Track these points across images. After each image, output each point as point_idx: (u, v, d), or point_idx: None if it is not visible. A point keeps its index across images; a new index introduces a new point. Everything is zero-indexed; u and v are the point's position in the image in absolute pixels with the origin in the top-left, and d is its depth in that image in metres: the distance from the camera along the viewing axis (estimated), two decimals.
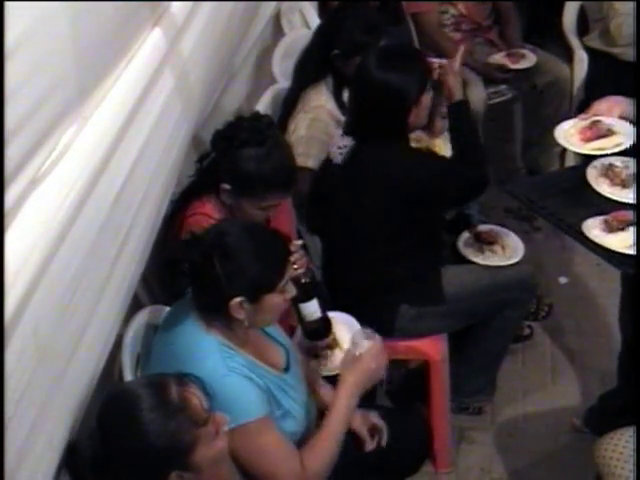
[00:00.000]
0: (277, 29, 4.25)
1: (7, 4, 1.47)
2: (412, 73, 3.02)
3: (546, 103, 4.71)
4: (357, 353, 2.46)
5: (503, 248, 3.39)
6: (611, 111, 2.97)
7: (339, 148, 3.11)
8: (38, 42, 1.62)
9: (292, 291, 2.37)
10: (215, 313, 2.29)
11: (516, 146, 4.94)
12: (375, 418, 2.65)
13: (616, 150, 2.86)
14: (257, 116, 2.89)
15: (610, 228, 2.62)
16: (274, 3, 4.01)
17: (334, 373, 2.66)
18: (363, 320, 2.88)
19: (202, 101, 2.78)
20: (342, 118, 3.44)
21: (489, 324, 3.23)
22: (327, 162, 3.20)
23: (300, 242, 2.90)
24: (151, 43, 2.23)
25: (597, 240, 2.59)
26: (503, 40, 4.93)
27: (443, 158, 3.23)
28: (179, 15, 2.41)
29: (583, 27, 4.70)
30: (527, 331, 3.84)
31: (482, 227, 3.51)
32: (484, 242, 3.42)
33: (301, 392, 2.48)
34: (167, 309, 2.57)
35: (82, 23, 1.84)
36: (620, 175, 2.80)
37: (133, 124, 2.12)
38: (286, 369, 2.47)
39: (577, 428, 3.35)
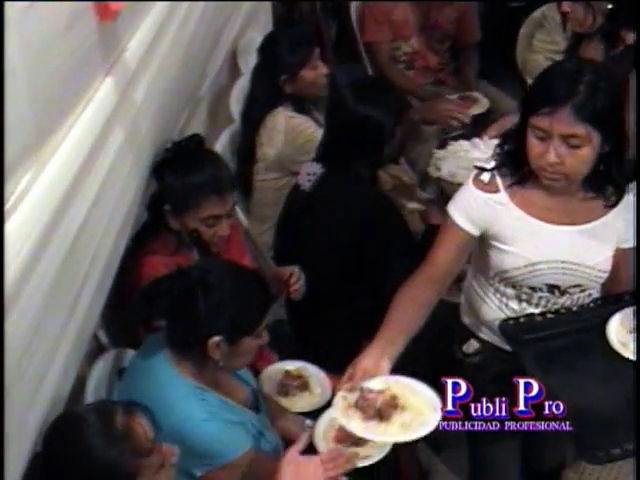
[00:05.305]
0: (234, 69, 4.28)
1: None
2: (389, 106, 3.07)
3: None
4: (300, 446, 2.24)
5: None
6: (378, 367, 2.28)
7: (308, 175, 3.14)
8: None
9: (266, 336, 2.37)
10: (189, 351, 2.29)
11: None
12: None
13: (366, 463, 2.29)
14: (184, 138, 2.93)
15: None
16: (229, 44, 4.04)
17: (302, 411, 2.73)
18: (325, 356, 2.90)
19: (155, 148, 2.80)
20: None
21: None
22: (295, 189, 3.22)
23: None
24: (103, 92, 2.23)
25: None
26: (457, 78, 4.97)
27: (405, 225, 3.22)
28: (132, 62, 2.42)
29: None
30: None
31: None
32: None
33: (272, 432, 2.49)
34: (131, 352, 2.56)
35: (37, 70, 1.85)
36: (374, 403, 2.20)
37: (88, 171, 2.12)
38: (257, 410, 2.48)
39: None
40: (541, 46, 4.74)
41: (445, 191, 3.70)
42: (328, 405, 2.65)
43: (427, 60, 4.88)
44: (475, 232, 2.45)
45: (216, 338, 2.23)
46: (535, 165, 2.32)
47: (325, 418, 2.45)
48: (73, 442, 1.94)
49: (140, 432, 1.96)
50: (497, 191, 2.42)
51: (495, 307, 2.59)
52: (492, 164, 2.44)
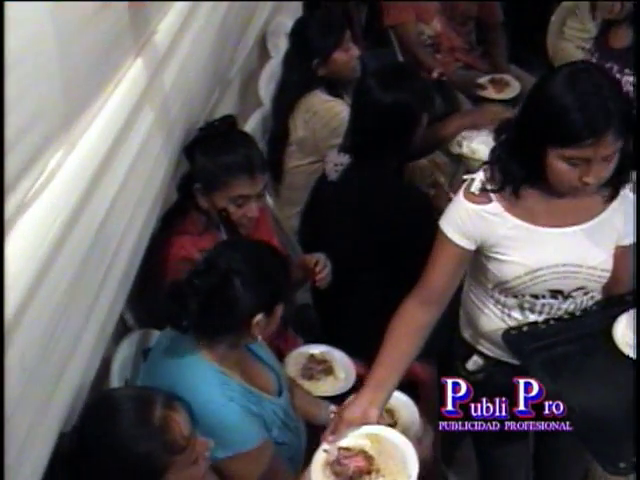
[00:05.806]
0: (263, 52, 4.29)
1: None
2: (415, 91, 3.06)
3: None
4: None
5: None
6: (366, 416, 2.22)
7: (335, 165, 3.14)
8: (25, 68, 1.63)
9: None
10: (217, 336, 2.28)
11: None
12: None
13: None
14: (217, 119, 2.94)
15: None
16: (259, 27, 4.04)
17: (326, 395, 2.73)
18: (350, 341, 2.90)
19: (185, 130, 2.81)
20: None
21: None
22: (322, 178, 3.22)
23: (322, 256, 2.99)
24: (134, 74, 2.24)
25: None
26: (487, 60, 4.94)
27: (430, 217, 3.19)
28: (162, 44, 2.43)
29: None
30: None
31: None
32: None
33: (293, 417, 2.49)
34: (157, 333, 2.57)
35: (68, 50, 1.86)
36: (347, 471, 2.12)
37: (118, 151, 2.13)
38: (279, 394, 2.47)
39: None
40: (572, 34, 4.72)
41: (467, 168, 3.70)
42: (352, 390, 2.66)
43: (452, 41, 4.85)
44: (471, 246, 2.35)
45: (259, 316, 2.24)
46: (566, 188, 2.22)
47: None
48: (108, 428, 1.94)
49: (176, 429, 1.95)
50: (489, 201, 2.31)
51: (496, 318, 2.49)
52: (481, 175, 2.33)
